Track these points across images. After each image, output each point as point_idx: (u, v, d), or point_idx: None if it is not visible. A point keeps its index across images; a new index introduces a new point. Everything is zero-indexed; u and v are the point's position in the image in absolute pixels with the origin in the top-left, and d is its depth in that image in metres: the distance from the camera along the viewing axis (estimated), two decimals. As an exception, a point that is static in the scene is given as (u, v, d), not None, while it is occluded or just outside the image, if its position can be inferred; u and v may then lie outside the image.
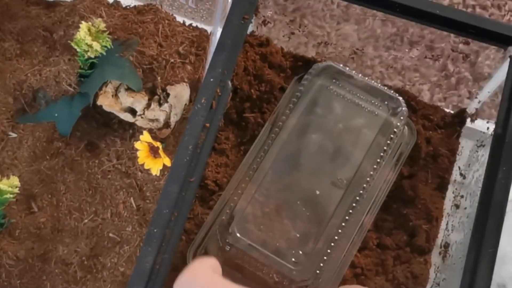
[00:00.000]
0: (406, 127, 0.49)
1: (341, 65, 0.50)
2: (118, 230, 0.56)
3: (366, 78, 0.49)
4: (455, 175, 0.54)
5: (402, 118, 0.48)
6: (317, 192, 0.45)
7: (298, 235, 0.41)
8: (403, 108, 0.48)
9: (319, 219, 0.44)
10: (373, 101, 0.48)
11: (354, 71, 0.50)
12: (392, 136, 0.47)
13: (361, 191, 0.46)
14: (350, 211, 0.45)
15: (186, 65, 0.61)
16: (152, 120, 0.58)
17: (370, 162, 0.46)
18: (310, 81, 0.49)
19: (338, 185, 0.46)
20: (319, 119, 0.48)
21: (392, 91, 0.49)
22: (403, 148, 0.49)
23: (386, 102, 0.48)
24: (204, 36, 0.64)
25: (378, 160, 0.46)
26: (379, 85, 0.49)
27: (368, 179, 0.46)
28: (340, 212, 0.45)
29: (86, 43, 0.54)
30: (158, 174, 0.51)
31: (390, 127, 0.47)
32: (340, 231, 0.44)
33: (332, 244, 0.44)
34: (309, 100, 0.48)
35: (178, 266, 0.45)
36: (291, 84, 0.52)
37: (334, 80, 0.49)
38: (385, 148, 0.47)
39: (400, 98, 0.49)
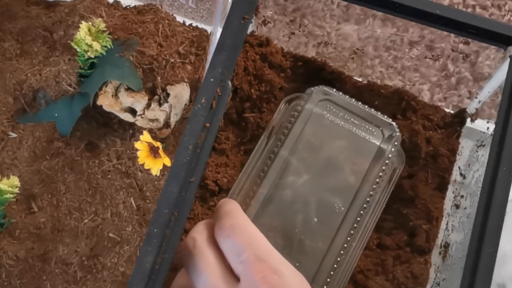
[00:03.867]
0: (397, 152, 0.49)
1: (334, 90, 0.49)
2: (118, 230, 0.56)
3: (360, 104, 0.49)
4: (455, 175, 0.54)
5: (396, 143, 0.47)
6: (315, 219, 0.45)
7: (297, 264, 0.41)
8: (397, 134, 0.48)
9: (317, 248, 0.44)
10: (367, 127, 0.48)
11: (347, 96, 0.49)
12: (387, 161, 0.47)
13: (358, 218, 0.45)
14: (348, 238, 0.45)
15: (186, 65, 0.61)
16: (152, 120, 0.58)
17: (366, 189, 0.46)
18: (302, 106, 0.48)
19: (335, 212, 0.45)
20: (313, 146, 0.47)
21: (385, 116, 0.49)
22: (394, 174, 0.49)
23: (380, 128, 0.48)
24: (204, 36, 0.64)
25: (374, 186, 0.46)
26: (372, 110, 0.49)
27: (365, 205, 0.45)
28: (338, 240, 0.44)
29: (86, 43, 0.54)
30: (158, 174, 0.51)
31: (385, 153, 0.47)
32: (339, 259, 0.44)
33: (328, 280, 0.44)
34: (303, 127, 0.47)
35: (178, 266, 0.45)
36: (282, 107, 0.51)
37: (327, 106, 0.48)
38: (380, 174, 0.46)
39: (394, 123, 0.48)
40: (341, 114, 0.48)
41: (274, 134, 0.48)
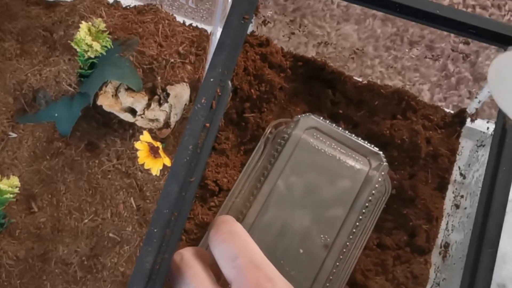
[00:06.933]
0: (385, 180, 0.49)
1: (321, 118, 0.49)
2: (118, 230, 0.56)
3: (347, 132, 0.49)
4: (455, 175, 0.54)
5: (383, 173, 0.47)
6: (301, 251, 0.45)
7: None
8: (384, 164, 0.48)
9: (302, 279, 0.44)
10: (354, 156, 0.48)
11: (334, 125, 0.49)
12: (373, 192, 0.47)
13: (344, 250, 0.45)
14: (334, 270, 0.45)
15: (186, 65, 0.61)
16: (152, 120, 0.58)
17: (352, 219, 0.46)
18: (289, 134, 0.48)
19: (321, 243, 0.45)
20: (300, 175, 0.47)
21: (372, 146, 0.49)
22: (380, 201, 0.49)
23: (367, 157, 0.48)
24: (204, 36, 0.64)
25: (361, 217, 0.46)
26: (359, 139, 0.49)
27: (351, 236, 0.46)
28: (324, 271, 0.44)
29: (86, 43, 0.54)
30: (158, 174, 0.51)
31: (372, 182, 0.47)
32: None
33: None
34: (290, 155, 0.47)
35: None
36: (267, 132, 0.51)
37: (314, 134, 0.48)
38: (367, 205, 0.46)
39: (381, 152, 0.48)
40: (328, 142, 0.48)
41: (260, 161, 0.48)
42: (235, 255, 0.36)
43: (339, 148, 0.48)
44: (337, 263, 0.45)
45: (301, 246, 0.45)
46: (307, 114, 0.49)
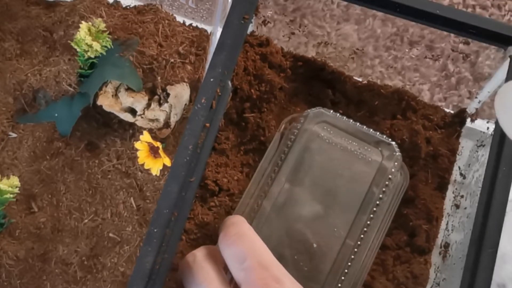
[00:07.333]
0: (399, 171, 0.48)
1: (331, 111, 0.49)
2: (118, 230, 0.56)
3: (358, 124, 0.49)
4: (455, 175, 0.54)
5: (396, 163, 0.47)
6: (314, 245, 0.45)
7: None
8: (397, 154, 0.47)
9: (316, 273, 0.44)
10: (366, 147, 0.47)
11: (345, 117, 0.49)
12: (387, 183, 0.46)
13: (359, 242, 0.45)
14: (349, 263, 0.44)
15: (186, 65, 0.61)
16: (152, 120, 0.58)
17: (366, 211, 0.45)
18: (299, 128, 0.48)
19: (335, 237, 0.45)
20: (312, 169, 0.46)
21: (384, 136, 0.48)
22: (397, 192, 0.48)
23: (380, 148, 0.48)
24: (204, 36, 0.64)
25: (375, 209, 0.46)
26: (371, 130, 0.48)
27: (365, 229, 0.45)
28: (338, 266, 0.44)
29: (86, 43, 0.54)
30: (158, 174, 0.51)
31: (385, 173, 0.46)
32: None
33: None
34: (301, 149, 0.47)
35: (178, 266, 0.45)
36: (282, 128, 0.50)
37: (325, 127, 0.48)
38: (380, 196, 0.46)
39: (393, 143, 0.48)
40: (339, 135, 0.48)
41: (274, 156, 0.48)
42: (243, 257, 0.37)
43: (350, 140, 0.48)
44: (352, 256, 0.44)
45: (314, 240, 0.44)
46: (317, 108, 0.49)
